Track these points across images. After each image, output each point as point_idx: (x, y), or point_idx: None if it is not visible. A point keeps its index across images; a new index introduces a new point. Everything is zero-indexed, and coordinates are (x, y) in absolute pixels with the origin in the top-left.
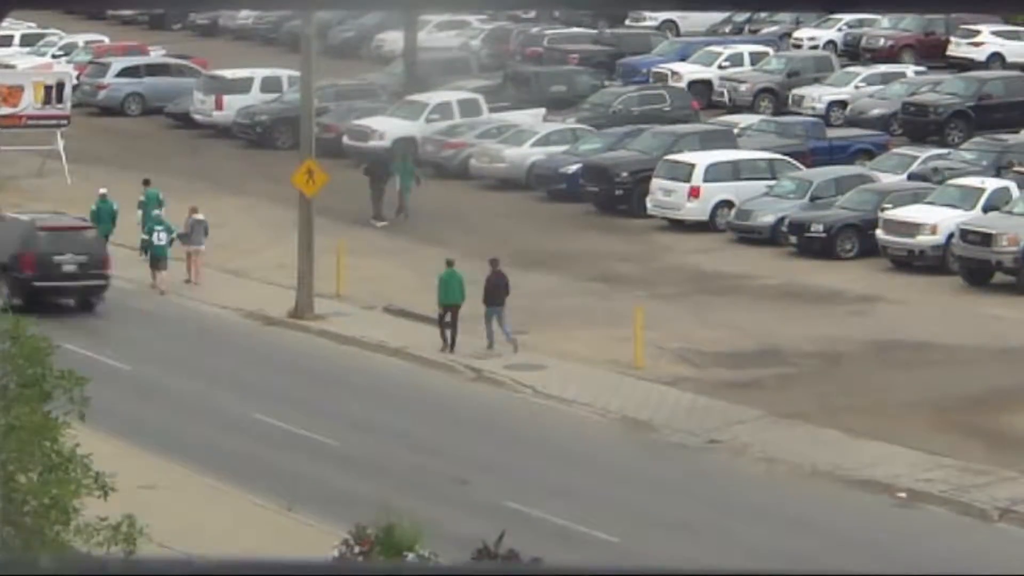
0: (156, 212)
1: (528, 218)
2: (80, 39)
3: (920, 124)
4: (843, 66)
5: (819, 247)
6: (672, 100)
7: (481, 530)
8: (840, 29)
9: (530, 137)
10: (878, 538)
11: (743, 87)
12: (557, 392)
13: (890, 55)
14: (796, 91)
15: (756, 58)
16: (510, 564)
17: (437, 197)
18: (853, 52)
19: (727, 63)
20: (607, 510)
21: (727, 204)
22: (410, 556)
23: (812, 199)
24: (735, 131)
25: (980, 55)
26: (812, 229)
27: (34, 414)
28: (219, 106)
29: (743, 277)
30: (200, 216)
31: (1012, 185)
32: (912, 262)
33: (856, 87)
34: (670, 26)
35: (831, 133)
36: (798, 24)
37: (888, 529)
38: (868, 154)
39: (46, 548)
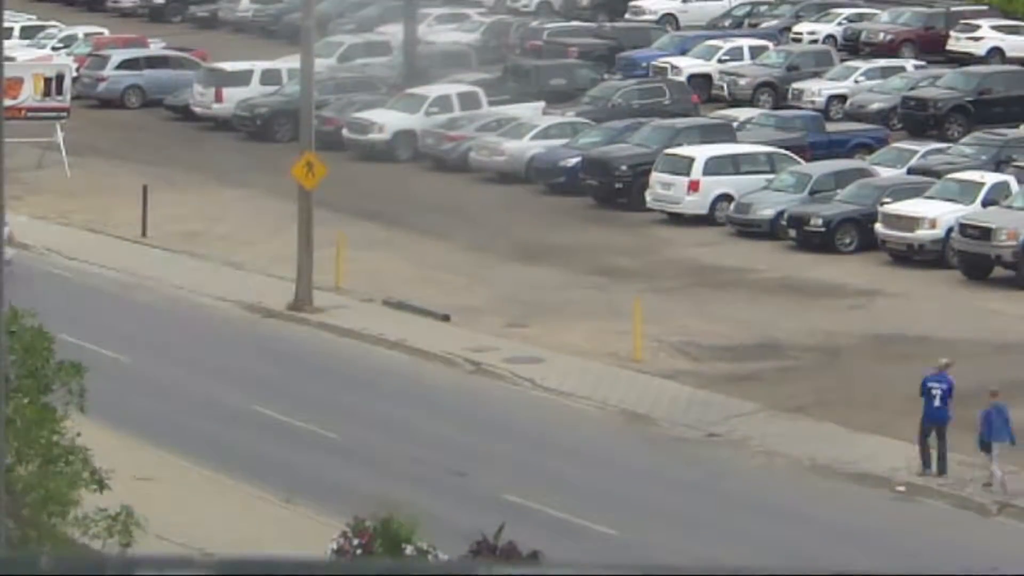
0: None
1: (527, 211)
2: (80, 31)
3: (920, 118)
4: (843, 60)
5: (818, 241)
6: (672, 94)
7: (480, 522)
8: (840, 23)
9: (530, 130)
10: (877, 531)
11: (743, 81)
12: (556, 385)
13: (890, 49)
14: (796, 85)
15: (756, 52)
16: (510, 563)
17: (437, 190)
18: (853, 46)
19: (727, 57)
20: (606, 503)
21: (726, 198)
22: (408, 548)
23: (811, 193)
24: (735, 125)
25: (980, 49)
26: (811, 223)
27: (33, 405)
28: (219, 98)
29: (742, 271)
30: None
31: (1011, 180)
32: (911, 256)
33: (856, 81)
34: (670, 20)
35: (830, 127)
36: (798, 18)
37: (887, 522)
38: (867, 148)
39: (44, 539)
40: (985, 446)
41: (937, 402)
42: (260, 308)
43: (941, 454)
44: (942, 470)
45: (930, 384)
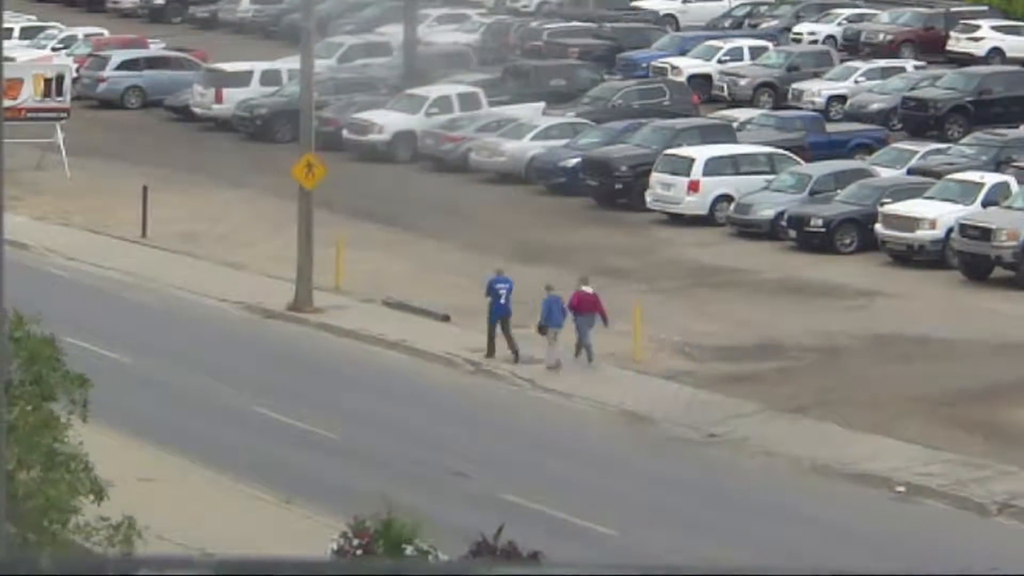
0: None
1: (527, 212)
2: (80, 32)
3: (919, 119)
4: (843, 61)
5: (818, 241)
6: (672, 94)
7: (480, 523)
8: (840, 24)
9: (530, 131)
10: (876, 531)
11: (743, 81)
12: (556, 385)
13: (890, 50)
14: (796, 85)
15: (756, 52)
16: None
17: (437, 190)
18: (853, 47)
19: (727, 57)
20: (606, 503)
21: (726, 198)
22: (409, 549)
23: (811, 193)
24: (734, 125)
25: (980, 50)
26: (811, 223)
27: (36, 411)
28: (219, 99)
29: (742, 271)
30: None
31: (1011, 180)
32: (911, 256)
33: (856, 82)
34: (670, 20)
35: (830, 128)
36: (798, 19)
37: (887, 522)
38: (867, 148)
39: (46, 546)
40: (541, 330)
41: (502, 299)
42: (260, 309)
43: (511, 341)
44: (516, 357)
45: (497, 285)
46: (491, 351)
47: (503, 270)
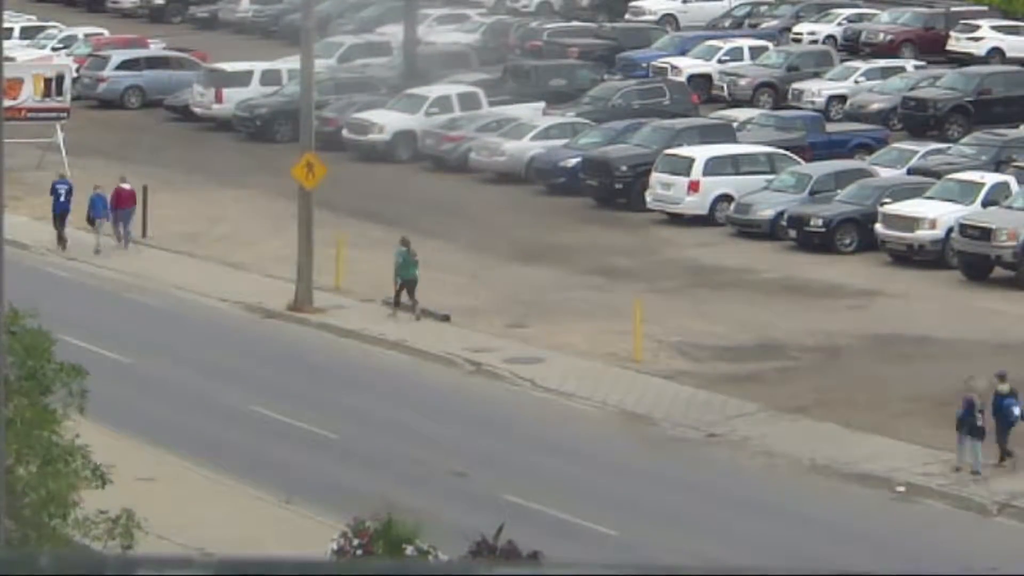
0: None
1: (527, 212)
2: (80, 32)
3: (920, 119)
4: (843, 60)
5: (818, 241)
6: (672, 94)
7: (480, 523)
8: (840, 24)
9: (530, 131)
10: (877, 532)
11: (743, 81)
12: (556, 385)
13: (890, 50)
14: (796, 85)
15: (756, 52)
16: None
17: (437, 190)
18: (853, 47)
19: (727, 57)
20: (606, 503)
21: (726, 198)
22: (409, 549)
23: (811, 193)
24: (734, 125)
25: (980, 50)
26: (811, 223)
27: (33, 406)
28: (219, 99)
29: (742, 271)
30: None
31: (1011, 180)
32: (911, 256)
33: (856, 81)
34: (670, 20)
35: (830, 127)
36: (798, 19)
37: (887, 523)
38: (868, 148)
39: (45, 541)
40: (90, 220)
41: (62, 198)
42: (260, 308)
43: (62, 232)
44: (63, 247)
45: (57, 186)
46: (61, 242)
47: (65, 175)
